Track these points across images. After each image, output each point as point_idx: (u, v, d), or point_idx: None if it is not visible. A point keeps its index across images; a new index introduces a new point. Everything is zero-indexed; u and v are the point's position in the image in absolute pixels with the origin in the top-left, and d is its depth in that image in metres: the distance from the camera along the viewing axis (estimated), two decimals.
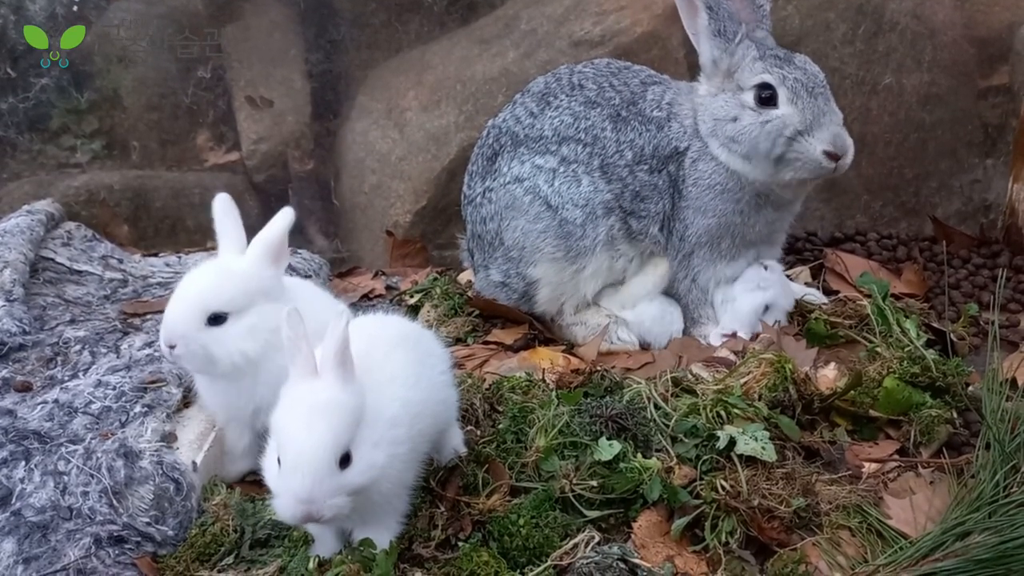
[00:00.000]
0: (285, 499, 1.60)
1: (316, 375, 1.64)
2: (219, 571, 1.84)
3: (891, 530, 1.95)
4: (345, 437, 1.61)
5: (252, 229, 3.42)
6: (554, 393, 2.29)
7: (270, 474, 1.67)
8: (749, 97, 2.59)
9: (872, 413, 2.31)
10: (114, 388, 2.23)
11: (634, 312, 2.79)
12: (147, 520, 1.91)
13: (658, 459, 2.04)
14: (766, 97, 2.57)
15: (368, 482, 1.66)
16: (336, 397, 1.63)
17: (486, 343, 2.84)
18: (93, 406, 2.17)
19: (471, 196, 2.87)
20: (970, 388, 2.42)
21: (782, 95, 2.55)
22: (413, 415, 1.77)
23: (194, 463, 2.04)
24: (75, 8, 3.20)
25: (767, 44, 2.67)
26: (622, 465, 2.01)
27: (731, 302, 2.78)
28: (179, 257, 3.26)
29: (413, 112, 3.36)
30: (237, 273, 2.01)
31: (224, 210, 2.09)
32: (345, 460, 1.61)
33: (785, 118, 2.54)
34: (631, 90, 2.79)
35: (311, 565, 1.75)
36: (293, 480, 1.59)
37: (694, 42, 2.70)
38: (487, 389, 2.35)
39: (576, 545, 1.82)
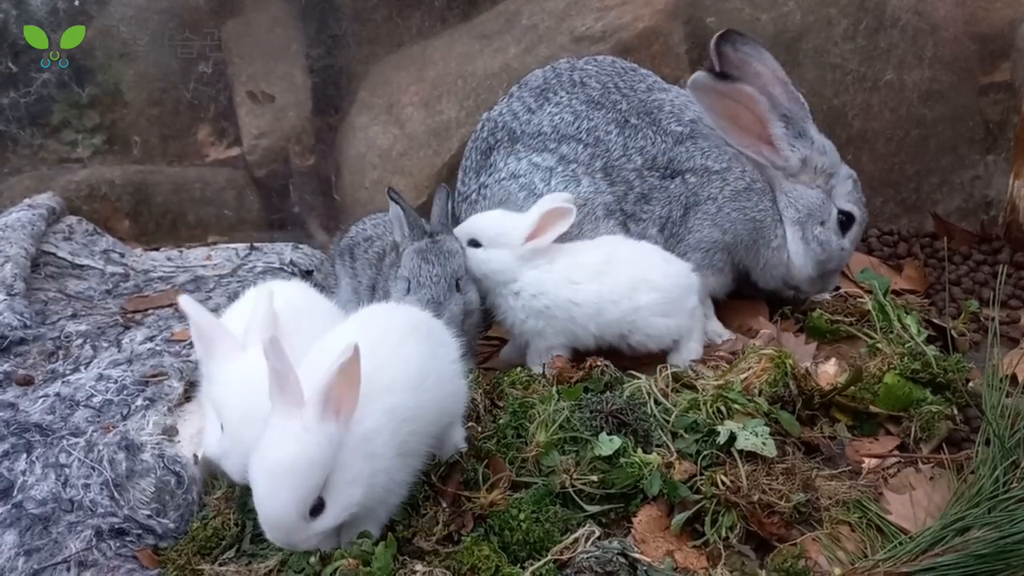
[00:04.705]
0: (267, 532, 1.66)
1: (300, 405, 1.60)
2: (220, 564, 1.84)
3: (891, 525, 1.96)
4: (311, 494, 1.60)
5: (252, 224, 3.48)
6: (554, 388, 2.29)
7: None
8: (834, 217, 2.79)
9: (872, 409, 2.31)
10: (115, 382, 2.24)
11: None
12: (148, 513, 1.92)
13: (658, 454, 2.04)
14: (843, 223, 2.81)
15: (343, 520, 1.69)
16: (305, 451, 1.58)
17: (487, 339, 2.84)
18: (94, 399, 2.18)
19: (466, 193, 2.84)
20: (970, 384, 2.42)
21: (854, 231, 2.83)
22: (405, 419, 1.76)
23: (195, 456, 2.05)
24: (76, 3, 3.20)
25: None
26: (622, 460, 2.01)
27: None
28: (180, 252, 3.27)
29: (414, 108, 3.35)
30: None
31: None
32: (317, 508, 1.63)
33: (848, 252, 2.87)
34: (639, 97, 2.76)
35: (312, 559, 1.75)
36: (267, 530, 1.65)
37: (750, 153, 2.73)
38: (488, 385, 2.35)
39: (576, 540, 1.82)
